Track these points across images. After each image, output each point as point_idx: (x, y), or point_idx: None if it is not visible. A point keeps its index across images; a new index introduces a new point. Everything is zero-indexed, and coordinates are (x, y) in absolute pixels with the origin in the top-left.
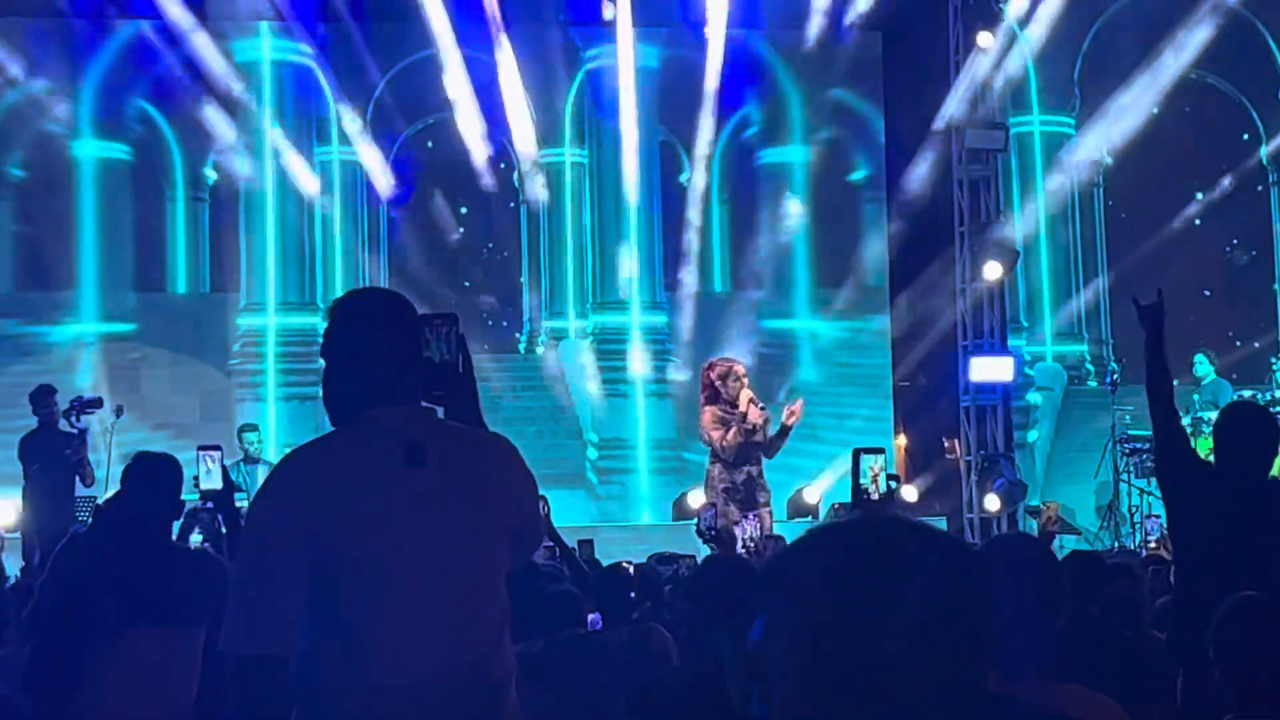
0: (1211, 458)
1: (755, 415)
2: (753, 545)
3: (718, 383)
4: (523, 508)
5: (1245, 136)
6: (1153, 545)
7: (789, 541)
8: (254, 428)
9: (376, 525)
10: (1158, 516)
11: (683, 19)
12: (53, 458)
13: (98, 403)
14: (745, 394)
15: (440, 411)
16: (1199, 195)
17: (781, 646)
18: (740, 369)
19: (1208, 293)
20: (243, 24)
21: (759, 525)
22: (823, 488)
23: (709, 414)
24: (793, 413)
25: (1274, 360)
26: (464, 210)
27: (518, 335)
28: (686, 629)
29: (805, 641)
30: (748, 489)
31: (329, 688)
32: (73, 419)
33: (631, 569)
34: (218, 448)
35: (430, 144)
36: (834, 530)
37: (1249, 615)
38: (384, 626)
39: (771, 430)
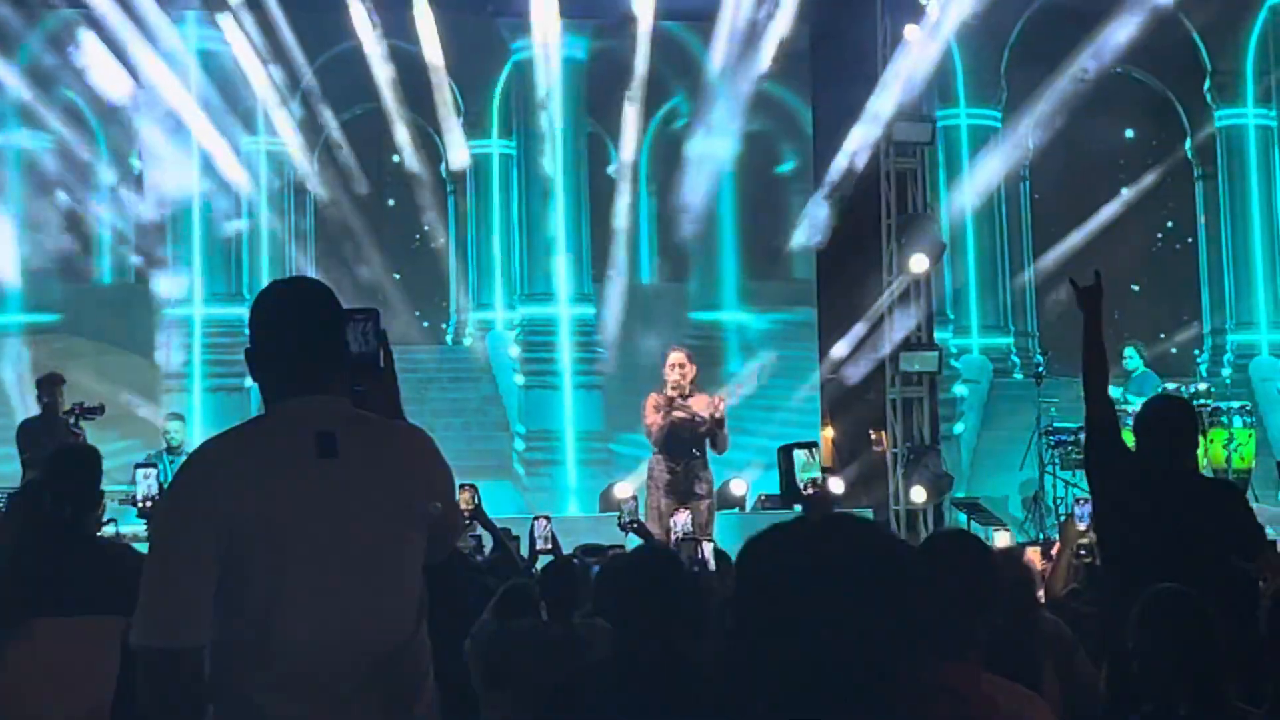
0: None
1: (701, 405)
2: (680, 539)
3: (664, 370)
4: (437, 498)
5: (1170, 131)
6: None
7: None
8: (179, 417)
9: (285, 516)
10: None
11: (611, 10)
12: (47, 446)
13: (99, 410)
14: (671, 381)
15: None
16: (1125, 189)
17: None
18: (675, 356)
19: (1136, 287)
20: (170, 12)
21: (690, 519)
22: (749, 479)
23: (649, 401)
24: (718, 407)
25: (1197, 352)
26: (392, 201)
27: (445, 326)
28: (614, 621)
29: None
30: (686, 479)
31: (242, 679)
32: (72, 421)
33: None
34: (154, 465)
35: (359, 134)
36: (799, 531)
37: (1167, 607)
38: (295, 618)
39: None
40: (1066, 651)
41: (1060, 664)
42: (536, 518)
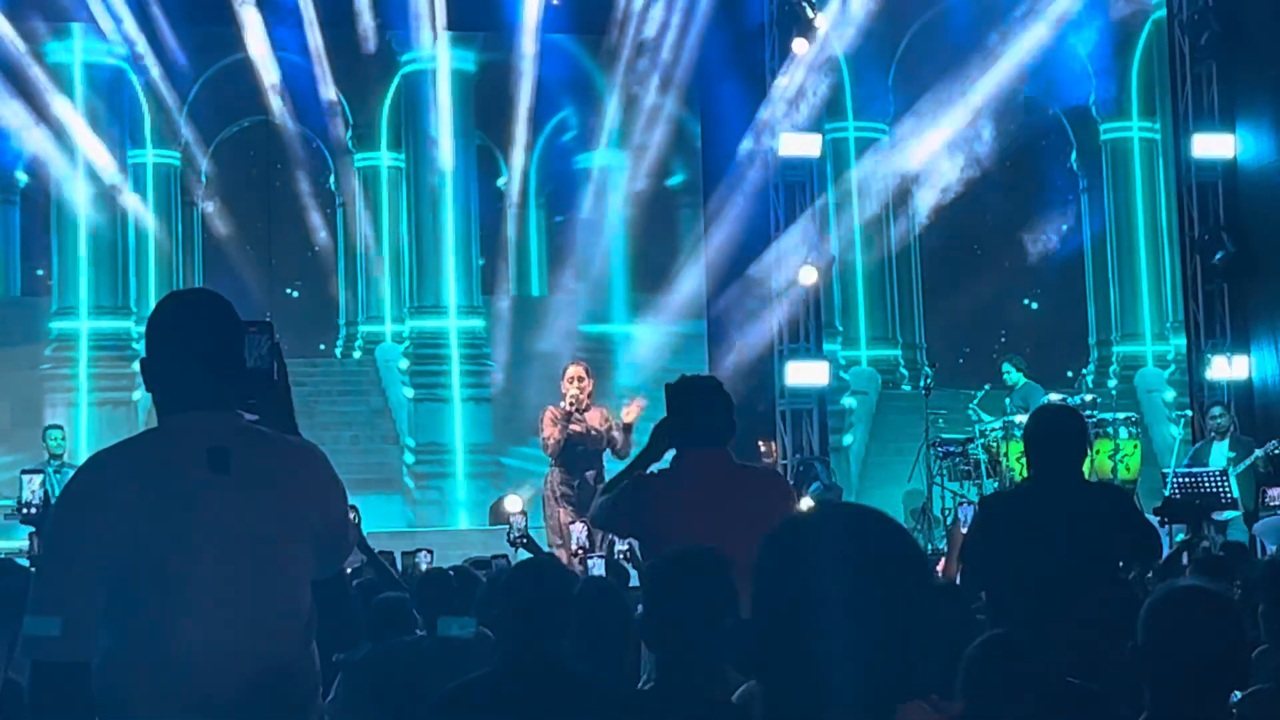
0: (1022, 460)
1: (595, 420)
2: (581, 553)
3: (563, 383)
4: (329, 515)
5: (1057, 145)
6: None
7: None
8: (58, 427)
9: (175, 530)
10: (967, 503)
11: (499, 23)
12: None
13: None
14: (569, 395)
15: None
16: (1012, 202)
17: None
18: (573, 370)
19: (1035, 304)
20: (54, 25)
21: (586, 531)
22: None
23: (546, 414)
24: (631, 410)
25: (1084, 371)
26: (280, 214)
27: (334, 339)
28: (499, 633)
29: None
30: (581, 495)
31: (130, 694)
32: None
33: (453, 573)
34: (40, 471)
35: (246, 146)
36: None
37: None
38: (183, 632)
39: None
40: None
41: None
42: (419, 551)
